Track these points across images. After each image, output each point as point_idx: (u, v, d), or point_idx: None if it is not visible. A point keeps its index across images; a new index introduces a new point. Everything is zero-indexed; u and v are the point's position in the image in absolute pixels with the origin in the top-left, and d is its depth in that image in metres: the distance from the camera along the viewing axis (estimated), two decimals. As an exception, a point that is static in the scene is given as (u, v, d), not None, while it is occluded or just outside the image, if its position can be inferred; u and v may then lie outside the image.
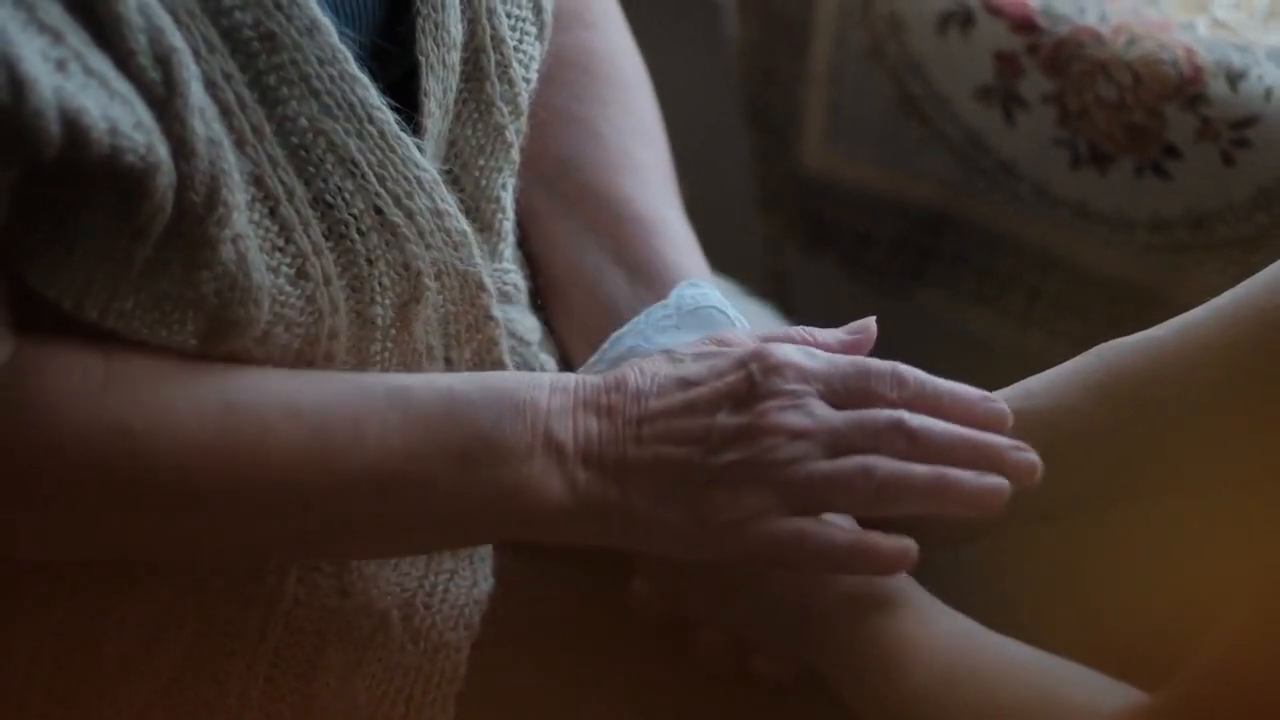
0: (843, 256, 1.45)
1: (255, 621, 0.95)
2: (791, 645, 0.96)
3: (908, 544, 0.91)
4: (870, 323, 0.97)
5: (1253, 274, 0.96)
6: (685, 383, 0.93)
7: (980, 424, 0.93)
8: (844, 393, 0.93)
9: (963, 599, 0.92)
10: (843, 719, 0.92)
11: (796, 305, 1.45)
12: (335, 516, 0.90)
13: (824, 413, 0.92)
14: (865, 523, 0.94)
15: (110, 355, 0.87)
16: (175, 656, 0.95)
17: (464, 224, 0.94)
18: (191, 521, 0.89)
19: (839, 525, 0.92)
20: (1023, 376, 0.99)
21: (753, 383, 0.92)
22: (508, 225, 1.02)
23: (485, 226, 1.00)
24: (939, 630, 0.89)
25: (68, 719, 0.95)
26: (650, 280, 1.08)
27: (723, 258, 1.18)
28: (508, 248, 1.02)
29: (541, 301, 1.10)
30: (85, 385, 0.86)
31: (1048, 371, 0.98)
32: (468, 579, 1.00)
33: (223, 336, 0.88)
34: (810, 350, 0.94)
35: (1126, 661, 0.85)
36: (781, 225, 1.49)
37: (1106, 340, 0.98)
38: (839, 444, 0.91)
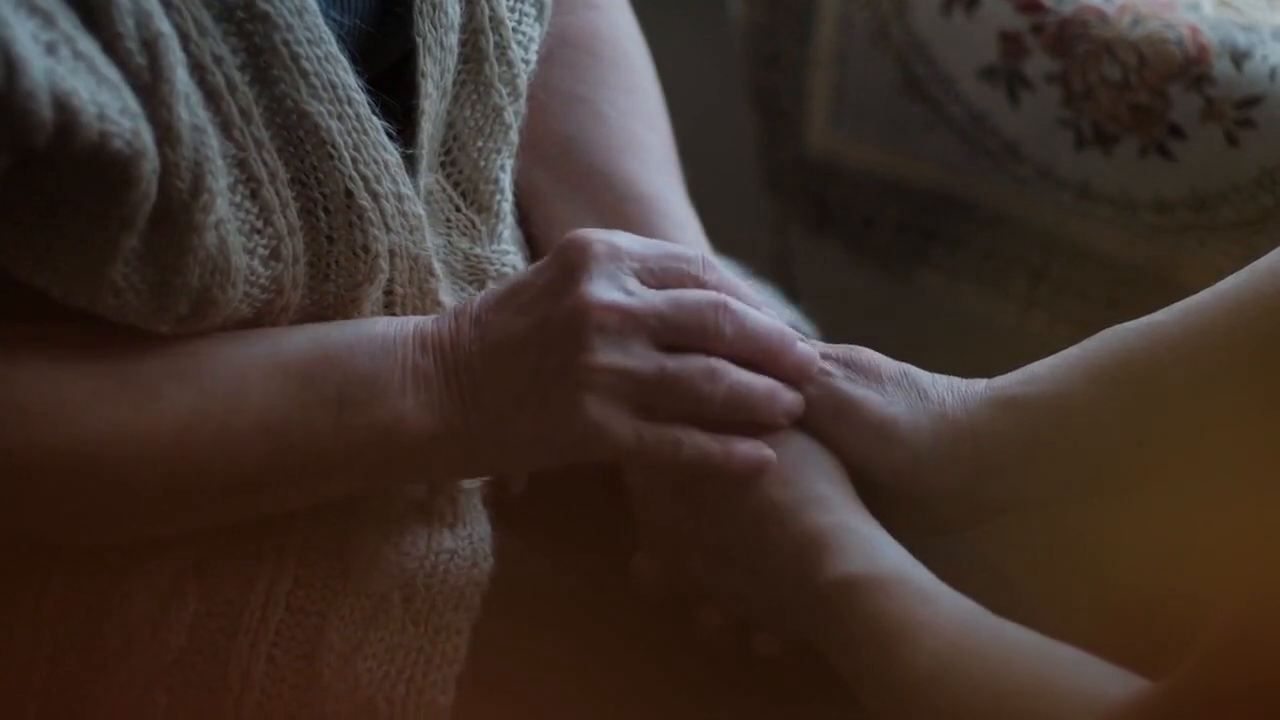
0: (847, 238, 1.45)
1: (257, 601, 0.96)
2: (792, 624, 0.96)
3: (767, 451, 0.95)
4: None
5: (1257, 255, 0.96)
6: (515, 288, 0.94)
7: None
8: (659, 272, 0.94)
9: (966, 583, 0.92)
10: (842, 699, 0.93)
11: (800, 287, 1.45)
12: (232, 475, 0.91)
13: (645, 292, 0.93)
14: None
15: (8, 345, 0.88)
16: (178, 636, 0.95)
17: (420, 207, 0.95)
18: (95, 496, 0.91)
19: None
20: (1026, 357, 0.99)
21: (568, 267, 0.93)
22: (506, 207, 1.02)
23: (483, 208, 1.00)
24: (941, 612, 0.89)
25: (70, 699, 0.95)
26: (654, 262, 1.08)
27: (727, 239, 1.18)
28: (506, 229, 1.03)
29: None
30: None
31: (1051, 357, 0.98)
32: (467, 558, 1.00)
33: (200, 319, 0.89)
34: (622, 233, 0.95)
35: (1130, 647, 0.85)
36: (786, 207, 1.49)
37: (1110, 322, 0.98)
38: (666, 325, 0.93)
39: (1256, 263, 0.94)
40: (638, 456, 0.94)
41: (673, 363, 0.93)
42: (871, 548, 0.93)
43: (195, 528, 0.95)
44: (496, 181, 1.01)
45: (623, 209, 1.10)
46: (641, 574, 1.02)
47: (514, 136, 1.01)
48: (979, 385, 0.99)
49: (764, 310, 0.97)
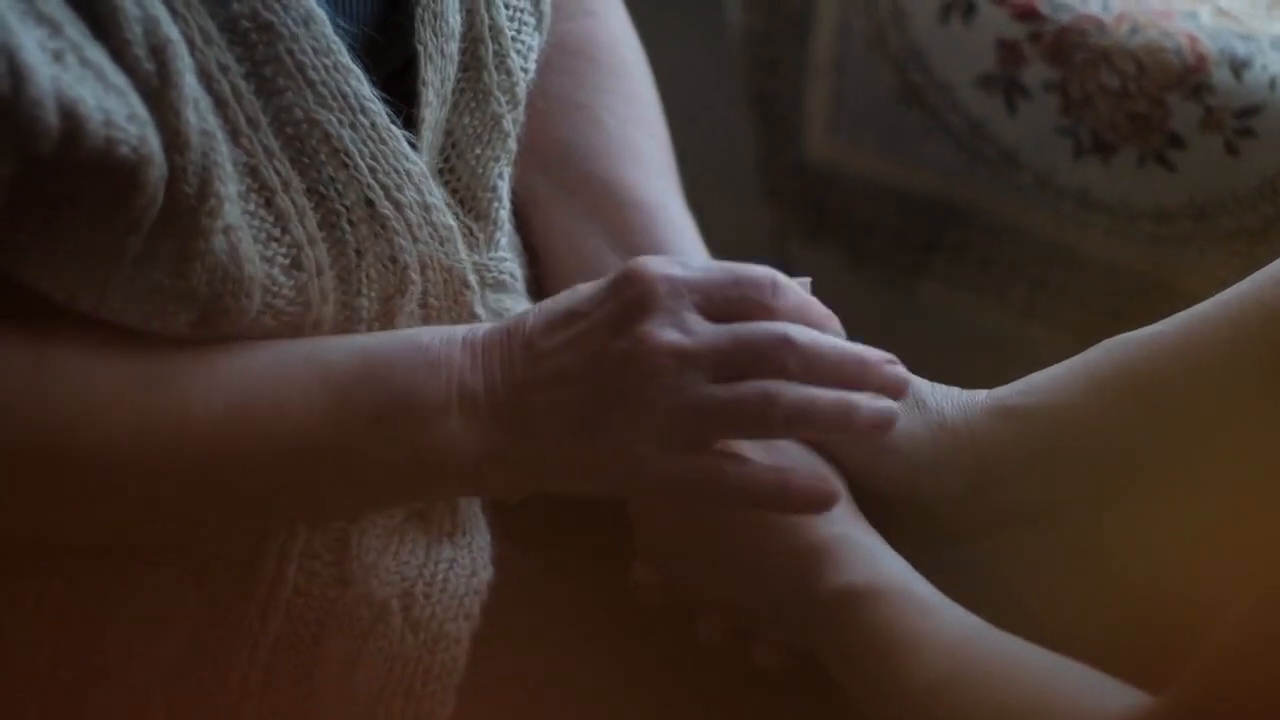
0: (845, 246, 1.45)
1: (256, 610, 0.95)
2: (793, 634, 0.96)
3: (836, 486, 0.92)
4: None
5: (1258, 265, 0.96)
6: (571, 316, 0.92)
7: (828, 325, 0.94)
8: (721, 302, 0.92)
9: (967, 595, 0.92)
10: (842, 709, 0.93)
11: (798, 295, 1.45)
12: (263, 487, 0.91)
13: (702, 329, 0.91)
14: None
15: (39, 342, 0.87)
16: (176, 644, 0.95)
17: (450, 219, 0.94)
18: (123, 503, 0.90)
19: (756, 459, 0.92)
20: (1025, 367, 0.99)
21: (627, 304, 0.91)
22: (504, 214, 1.02)
23: (481, 215, 1.00)
24: (943, 625, 0.89)
25: (68, 705, 0.95)
26: (651, 269, 1.08)
27: (725, 247, 1.17)
28: (503, 236, 1.03)
29: (540, 289, 1.09)
30: (13, 374, 0.86)
31: (1052, 367, 0.98)
32: (467, 567, 1.00)
33: (213, 326, 0.89)
34: (681, 260, 0.93)
35: (1132, 660, 0.85)
36: (784, 215, 1.48)
37: (1110, 331, 0.98)
38: (725, 363, 0.90)
39: (1258, 273, 0.95)
40: (686, 490, 0.93)
41: (725, 392, 0.90)
42: (872, 559, 0.93)
43: (233, 534, 0.95)
44: (494, 189, 1.01)
45: (621, 215, 1.10)
46: (641, 583, 1.02)
47: (512, 144, 1.01)
48: (979, 395, 0.99)
49: (834, 329, 0.95)
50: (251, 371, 0.90)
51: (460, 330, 0.93)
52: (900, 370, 0.94)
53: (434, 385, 0.91)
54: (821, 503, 0.92)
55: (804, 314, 0.93)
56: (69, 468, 0.88)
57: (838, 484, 0.93)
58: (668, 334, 0.90)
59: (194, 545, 0.95)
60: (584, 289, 0.93)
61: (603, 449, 0.91)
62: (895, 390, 0.93)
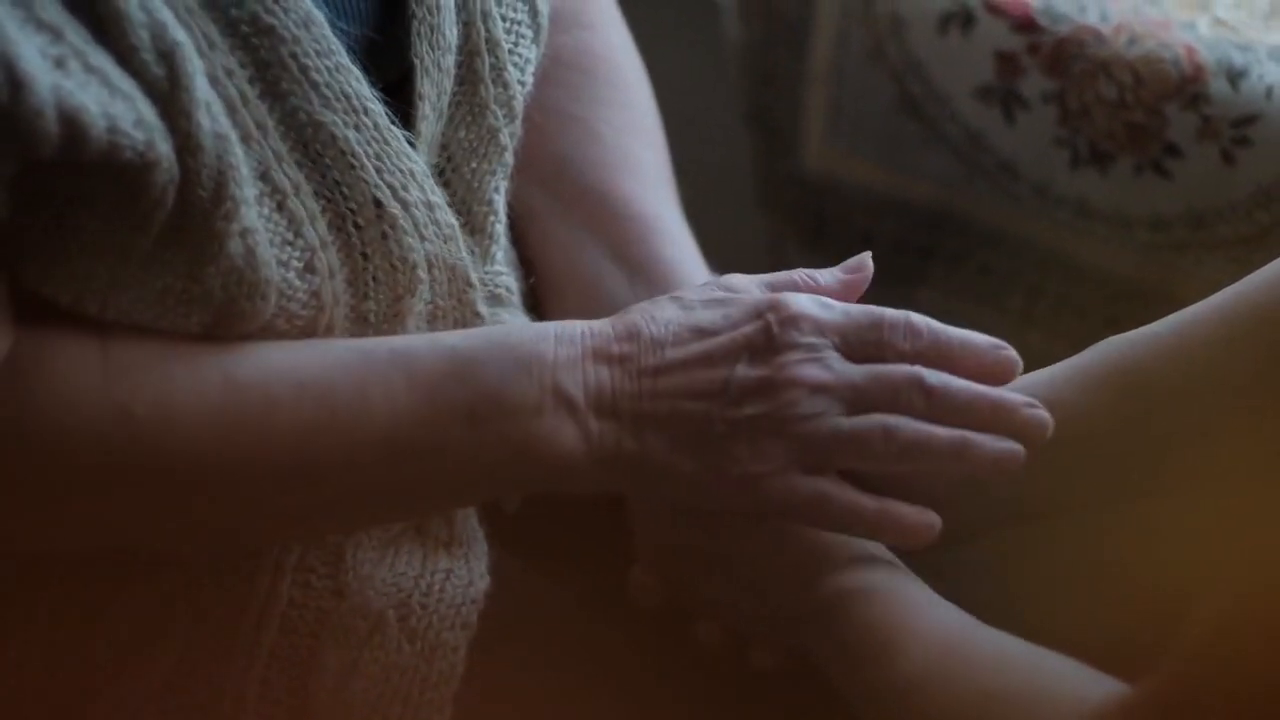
0: (843, 255, 1.43)
1: (250, 623, 0.95)
2: (788, 636, 0.96)
3: (932, 517, 0.92)
4: (866, 258, 0.98)
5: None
6: (701, 331, 0.93)
7: (991, 371, 0.94)
8: (858, 344, 0.93)
9: (962, 594, 0.92)
10: (837, 710, 0.92)
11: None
12: (347, 487, 0.90)
13: (842, 367, 0.92)
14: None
15: (108, 341, 0.86)
16: (170, 658, 0.94)
17: (452, 217, 0.94)
18: (201, 503, 0.89)
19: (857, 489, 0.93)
20: (1021, 374, 0.99)
21: (770, 334, 0.92)
22: (499, 228, 1.01)
23: (477, 229, 1.00)
24: (932, 621, 0.90)
25: (63, 719, 0.95)
26: (650, 280, 1.08)
27: (723, 258, 1.17)
28: (499, 250, 1.02)
29: (536, 303, 1.09)
30: (84, 373, 0.86)
31: (1048, 368, 0.98)
32: (463, 577, 1.00)
33: (226, 329, 0.88)
34: (824, 300, 0.94)
35: (1125, 657, 0.85)
36: (782, 225, 1.49)
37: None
38: (858, 400, 0.92)
39: (1252, 274, 0.95)
40: (788, 513, 0.93)
41: (848, 424, 0.92)
42: (865, 560, 0.94)
43: (322, 536, 0.94)
44: (490, 203, 1.00)
45: (618, 227, 1.10)
46: (639, 587, 1.02)
47: (509, 158, 1.01)
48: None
49: (970, 345, 0.95)
50: (336, 370, 0.89)
51: (551, 328, 0.93)
52: (1038, 414, 0.93)
53: (525, 384, 0.91)
54: (920, 535, 0.93)
55: (944, 351, 0.94)
56: (142, 468, 0.87)
57: (935, 517, 0.93)
58: (809, 369, 0.92)
59: (189, 558, 0.94)
60: (706, 305, 0.94)
61: (718, 469, 0.92)
62: (1033, 433, 0.93)
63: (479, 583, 1.00)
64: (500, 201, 1.01)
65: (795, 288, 0.96)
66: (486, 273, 1.01)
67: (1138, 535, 1.01)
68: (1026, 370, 0.99)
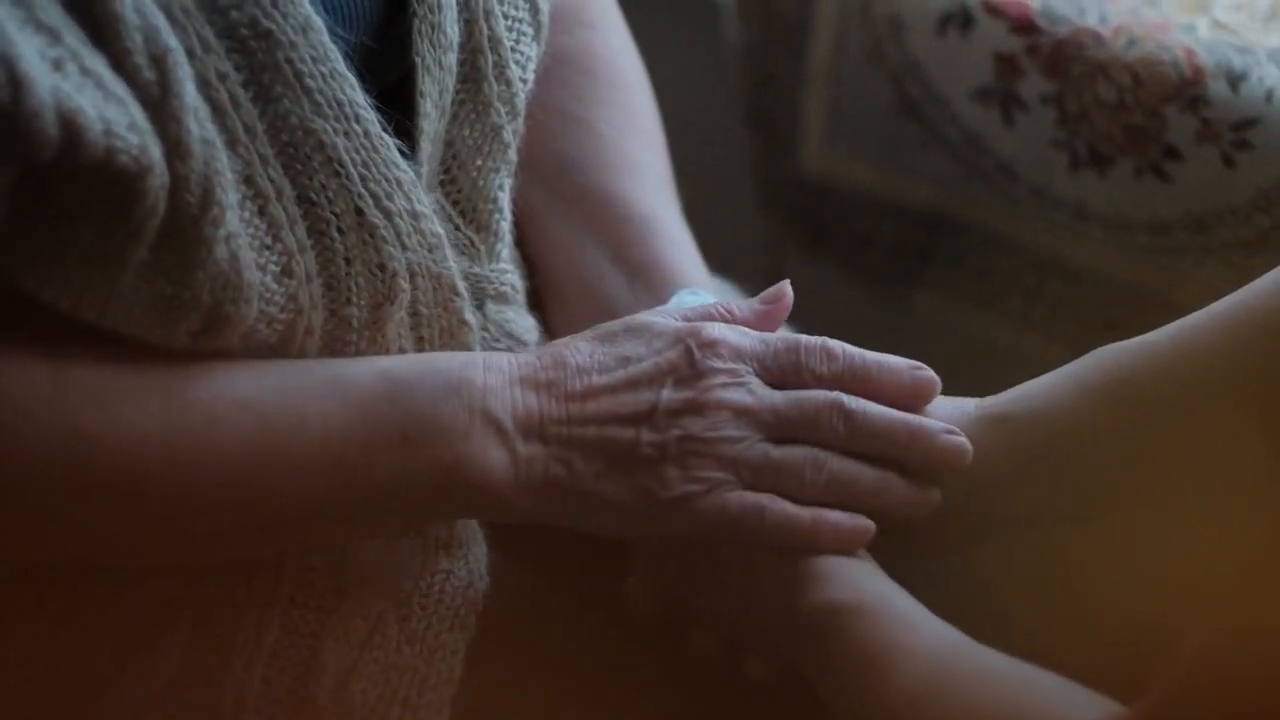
0: (842, 258, 1.45)
1: (251, 623, 0.95)
2: (778, 648, 0.96)
3: (866, 523, 0.94)
4: (785, 287, 1.01)
5: (1253, 277, 0.96)
6: (625, 359, 0.95)
7: (909, 392, 0.97)
8: (777, 370, 0.96)
9: (955, 605, 0.92)
10: (829, 720, 0.93)
11: (795, 307, 1.45)
12: (286, 506, 0.91)
13: (764, 392, 0.95)
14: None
15: (55, 360, 0.87)
16: (172, 658, 0.94)
17: (438, 226, 0.95)
18: (147, 521, 0.90)
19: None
20: (1021, 378, 0.99)
21: (692, 359, 0.94)
22: (505, 226, 1.02)
23: (482, 227, 1.00)
24: (922, 638, 0.90)
25: (64, 720, 0.95)
26: (649, 281, 1.08)
27: (722, 259, 1.18)
28: (505, 248, 1.03)
29: (539, 302, 1.09)
30: (32, 394, 0.86)
31: (1045, 375, 0.98)
32: (463, 579, 1.00)
33: (214, 334, 0.88)
34: (742, 329, 0.97)
35: (1120, 670, 0.85)
36: (781, 227, 1.49)
37: (1104, 342, 0.98)
38: (781, 424, 0.95)
39: (1251, 284, 0.94)
40: (721, 530, 0.94)
41: (777, 452, 0.94)
42: (856, 575, 0.94)
43: (257, 554, 0.95)
44: (495, 200, 1.01)
45: (618, 228, 1.10)
46: (633, 598, 1.02)
47: (512, 155, 1.01)
48: (969, 404, 0.99)
49: (888, 368, 0.97)
50: (275, 390, 0.90)
51: (480, 356, 0.94)
52: (956, 440, 0.96)
53: (454, 407, 0.92)
54: (854, 542, 0.95)
55: (859, 374, 0.96)
56: (89, 485, 0.87)
57: (869, 523, 0.95)
58: (732, 393, 0.94)
59: (261, 557, 0.95)
60: (628, 336, 0.96)
61: (648, 493, 0.93)
62: (951, 460, 0.96)
63: (479, 584, 1.00)
64: (505, 199, 1.02)
65: (712, 319, 0.98)
66: (492, 270, 1.02)
67: (1132, 545, 1.01)
68: (1024, 374, 0.99)
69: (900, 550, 0.96)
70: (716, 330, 0.95)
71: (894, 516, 0.96)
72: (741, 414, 0.94)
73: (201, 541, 0.92)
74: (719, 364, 0.94)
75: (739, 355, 0.95)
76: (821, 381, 0.96)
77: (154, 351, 0.88)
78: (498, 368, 0.93)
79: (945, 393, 0.99)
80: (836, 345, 0.97)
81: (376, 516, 0.94)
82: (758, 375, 0.95)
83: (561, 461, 0.93)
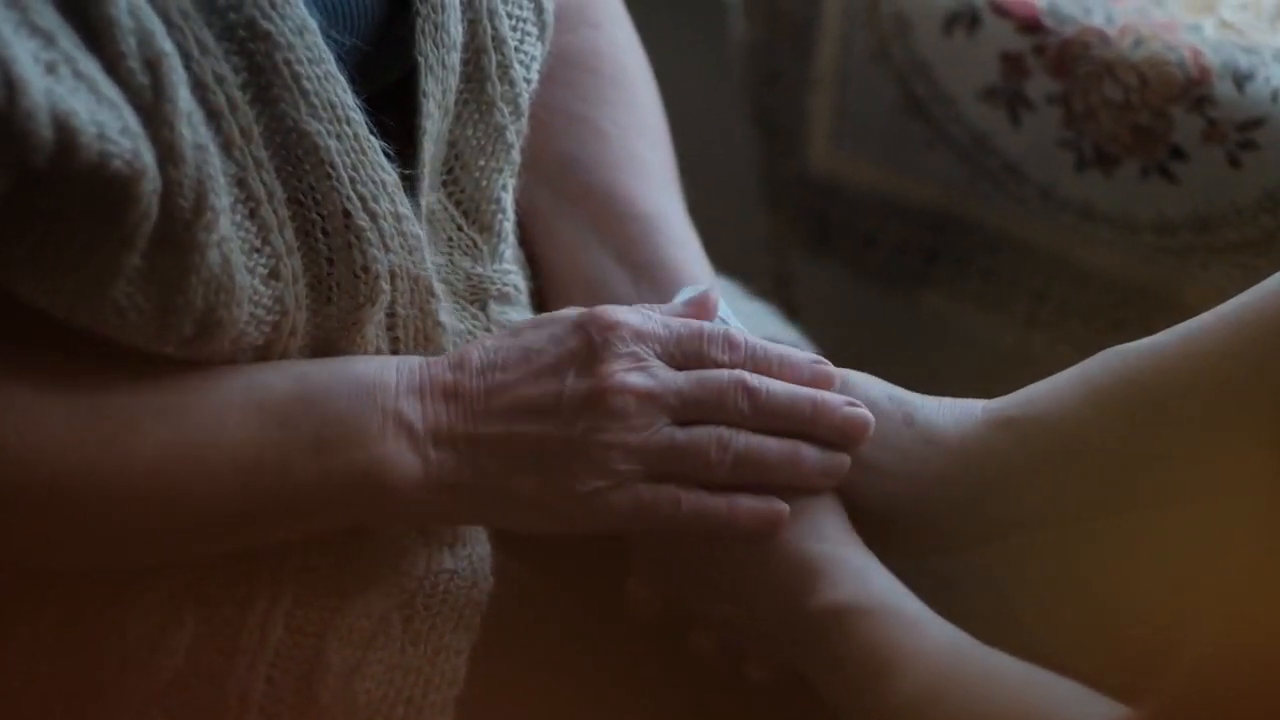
0: (847, 258, 1.45)
1: (255, 622, 0.95)
2: (782, 650, 0.96)
3: (780, 505, 0.95)
4: (708, 294, 1.01)
5: (1259, 277, 0.96)
6: (527, 352, 0.95)
7: (809, 385, 0.98)
8: (679, 356, 0.96)
9: (962, 606, 0.92)
10: (831, 723, 0.93)
11: (800, 307, 1.45)
12: (209, 511, 0.91)
13: (667, 374, 0.95)
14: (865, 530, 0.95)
15: None
16: (175, 658, 0.95)
17: (419, 228, 0.95)
18: (69, 526, 0.90)
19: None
20: (1027, 379, 0.99)
21: (592, 344, 0.94)
22: (508, 226, 1.02)
23: (485, 228, 1.00)
24: (928, 640, 0.90)
25: (67, 720, 0.95)
26: (654, 280, 1.08)
27: (727, 259, 1.17)
28: (508, 248, 1.03)
29: (543, 302, 1.09)
30: None
31: (1051, 377, 0.98)
32: (467, 578, 1.00)
33: (207, 339, 0.89)
34: (643, 311, 0.97)
35: (1129, 672, 0.85)
36: (786, 226, 1.49)
37: (1111, 343, 0.98)
38: (685, 406, 0.95)
39: (1259, 285, 0.94)
40: (638, 521, 0.94)
41: (682, 434, 0.95)
42: (860, 577, 0.94)
43: (185, 558, 0.95)
44: (498, 201, 1.01)
45: (623, 227, 1.10)
46: (634, 599, 1.02)
47: (516, 156, 1.01)
48: (975, 406, 0.99)
49: (789, 362, 0.98)
50: (194, 397, 0.90)
51: (393, 359, 0.95)
52: (857, 412, 0.97)
53: (367, 411, 0.92)
54: (769, 526, 0.95)
55: (761, 361, 0.97)
56: (28, 505, 0.88)
57: (782, 505, 0.95)
58: (633, 377, 0.94)
59: (191, 560, 0.95)
60: (533, 328, 0.96)
61: (552, 483, 0.93)
62: (854, 431, 0.97)
63: (483, 584, 1.00)
64: (508, 199, 1.02)
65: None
66: (495, 270, 1.02)
67: (1139, 547, 1.01)
68: (1030, 375, 0.99)
69: (907, 551, 0.96)
70: (615, 313, 0.95)
71: (807, 487, 0.96)
72: (645, 398, 0.94)
73: (132, 545, 0.93)
74: (620, 348, 0.94)
75: (639, 337, 0.95)
76: (722, 369, 0.96)
77: (77, 359, 0.89)
78: (410, 369, 0.94)
79: (951, 394, 1.00)
80: (739, 335, 0.97)
81: (296, 519, 0.94)
82: (659, 358, 0.95)
83: (470, 462, 0.93)
